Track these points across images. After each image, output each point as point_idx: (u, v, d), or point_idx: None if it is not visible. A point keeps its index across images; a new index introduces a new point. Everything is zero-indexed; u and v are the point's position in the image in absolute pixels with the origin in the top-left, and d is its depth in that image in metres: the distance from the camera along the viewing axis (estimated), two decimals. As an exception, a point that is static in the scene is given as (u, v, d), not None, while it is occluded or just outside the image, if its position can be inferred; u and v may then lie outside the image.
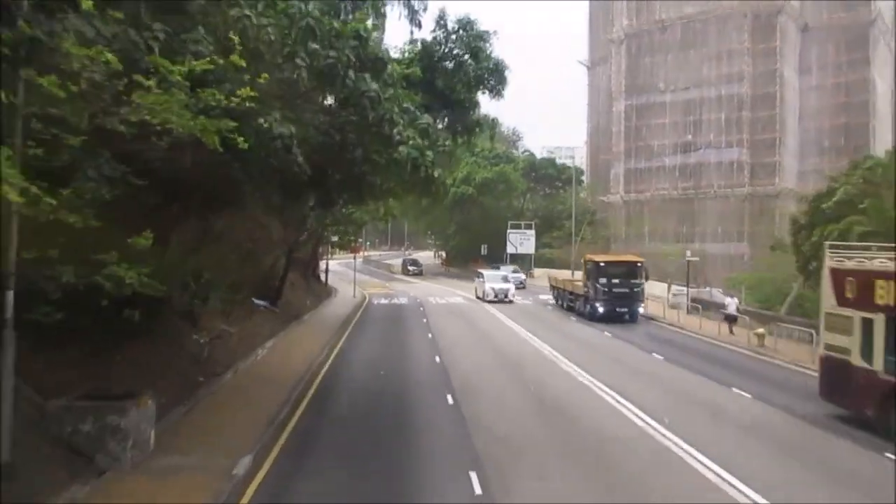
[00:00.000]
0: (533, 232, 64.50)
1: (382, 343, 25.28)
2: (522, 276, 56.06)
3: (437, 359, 21.33)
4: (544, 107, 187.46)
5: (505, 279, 44.23)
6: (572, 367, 20.01)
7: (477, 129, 16.63)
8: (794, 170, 65.13)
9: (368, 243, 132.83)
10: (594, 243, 61.33)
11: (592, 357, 22.00)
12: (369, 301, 42.83)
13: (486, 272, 46.02)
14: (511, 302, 40.84)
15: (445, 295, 47.45)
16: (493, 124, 19.58)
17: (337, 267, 61.84)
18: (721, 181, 63.45)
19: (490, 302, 40.41)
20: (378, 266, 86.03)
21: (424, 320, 32.34)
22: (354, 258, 44.20)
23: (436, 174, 12.33)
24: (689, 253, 34.15)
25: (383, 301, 42.62)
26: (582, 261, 35.30)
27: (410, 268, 74.12)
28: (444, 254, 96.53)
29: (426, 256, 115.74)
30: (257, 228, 27.09)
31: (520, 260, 65.81)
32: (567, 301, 37.41)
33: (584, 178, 75.76)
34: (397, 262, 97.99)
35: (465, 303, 41.75)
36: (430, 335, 26.99)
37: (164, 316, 17.45)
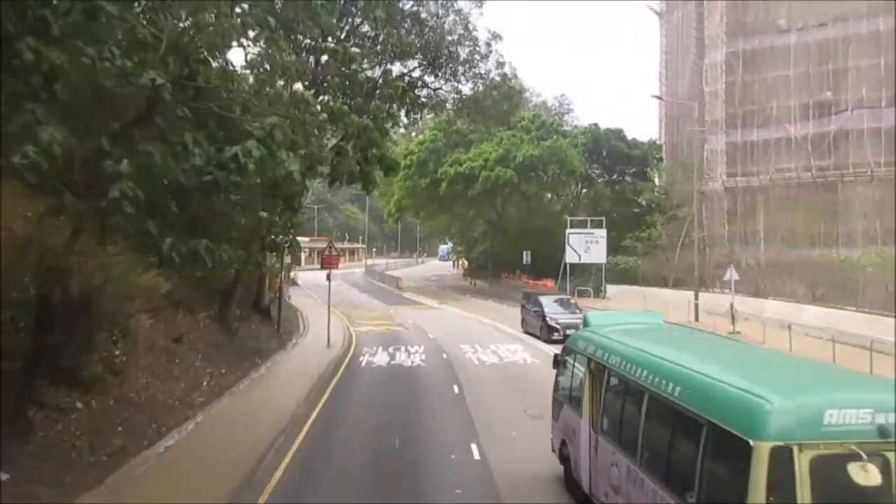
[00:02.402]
0: (604, 232, 44.53)
1: None
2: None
3: None
4: (599, 76, 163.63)
5: None
6: None
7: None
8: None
9: (374, 249, 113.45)
10: (710, 248, 41.37)
11: None
12: (354, 356, 23.17)
13: None
14: None
15: (486, 337, 27.59)
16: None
17: (324, 280, 42.20)
18: (878, 157, 43.35)
19: None
20: (383, 279, 66.12)
21: (476, 455, 12.23)
22: (328, 277, 24.46)
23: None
24: None
25: (380, 358, 22.78)
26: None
27: (557, 316, 26.84)
28: (466, 262, 76.85)
29: (442, 266, 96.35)
30: None
31: (579, 273, 45.89)
32: None
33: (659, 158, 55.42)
34: (406, 272, 78.31)
35: (539, 366, 21.55)
36: None
37: None
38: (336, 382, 18.69)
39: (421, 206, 58.25)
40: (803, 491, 4.73)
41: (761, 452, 4.79)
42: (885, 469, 4.75)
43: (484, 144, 49.74)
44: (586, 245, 44.21)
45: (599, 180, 56.35)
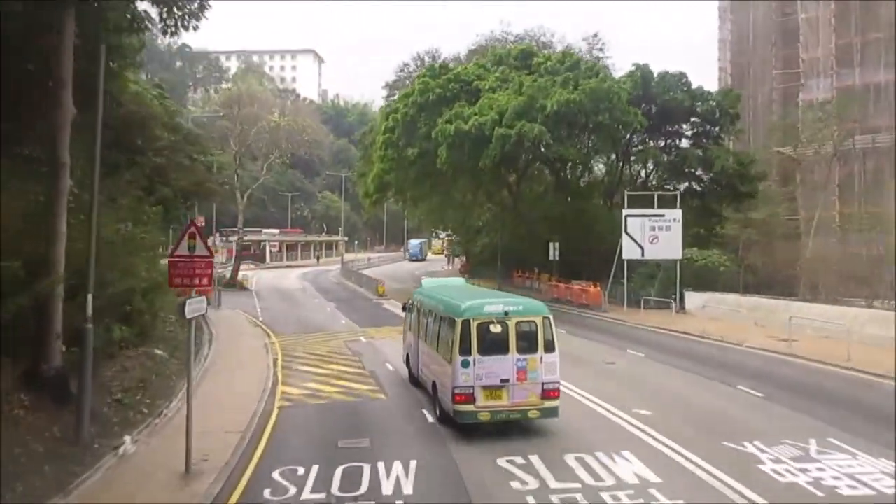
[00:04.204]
0: (678, 213, 30.43)
1: None
2: None
3: None
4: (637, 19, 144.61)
5: None
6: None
7: None
8: None
9: (356, 242, 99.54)
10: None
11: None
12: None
13: None
14: None
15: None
16: None
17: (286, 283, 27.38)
18: None
19: None
20: (360, 281, 51.63)
21: None
22: (183, 312, 10.22)
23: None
24: None
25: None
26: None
27: None
28: (464, 257, 62.70)
29: (432, 261, 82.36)
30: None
31: (635, 272, 31.87)
32: None
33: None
34: (391, 270, 64.17)
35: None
36: None
37: None
38: None
39: (409, 185, 43.59)
40: (473, 336, 11.79)
41: (458, 323, 11.93)
42: (504, 326, 11.82)
43: (497, 93, 35.39)
44: (653, 233, 30.05)
45: (642, 145, 42.17)
